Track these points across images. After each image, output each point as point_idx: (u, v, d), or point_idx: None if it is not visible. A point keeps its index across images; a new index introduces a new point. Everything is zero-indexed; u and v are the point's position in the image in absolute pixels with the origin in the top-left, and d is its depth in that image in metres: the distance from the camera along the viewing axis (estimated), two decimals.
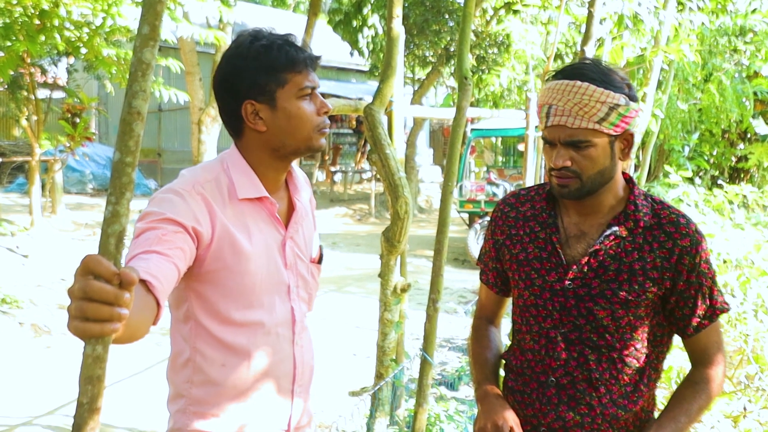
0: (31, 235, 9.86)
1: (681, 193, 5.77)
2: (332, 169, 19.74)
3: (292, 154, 1.78)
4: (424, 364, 3.15)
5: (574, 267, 1.76)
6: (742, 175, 11.21)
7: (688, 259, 1.72)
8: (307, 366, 1.90)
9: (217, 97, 1.77)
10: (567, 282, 1.76)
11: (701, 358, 1.81)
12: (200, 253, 1.66)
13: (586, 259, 1.75)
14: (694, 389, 1.78)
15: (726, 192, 6.06)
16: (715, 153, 10.86)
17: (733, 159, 11.10)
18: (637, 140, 6.95)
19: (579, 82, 1.67)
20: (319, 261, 1.94)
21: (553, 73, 1.76)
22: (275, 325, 1.79)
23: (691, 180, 7.71)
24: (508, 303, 2.05)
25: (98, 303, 1.00)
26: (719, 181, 9.31)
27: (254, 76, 1.70)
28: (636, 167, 9.01)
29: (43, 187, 11.07)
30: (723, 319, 3.84)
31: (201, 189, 1.68)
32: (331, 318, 7.88)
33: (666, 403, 1.79)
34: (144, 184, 15.68)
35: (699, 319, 1.77)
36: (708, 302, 1.77)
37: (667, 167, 7.28)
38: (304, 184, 1.95)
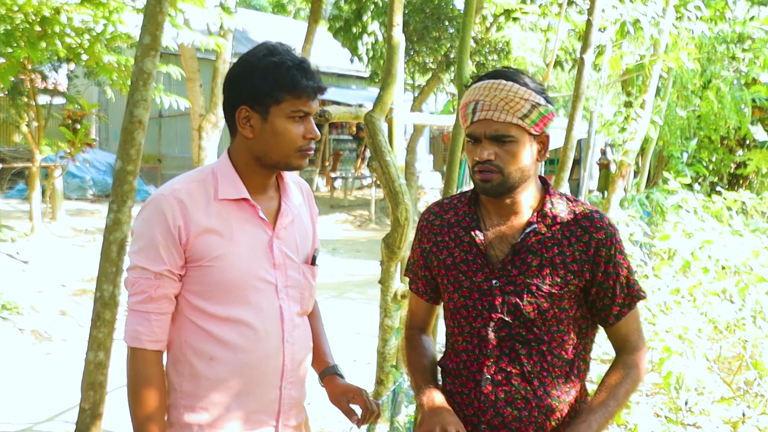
0: (31, 241, 9.87)
1: (680, 199, 5.77)
2: (332, 175, 19.75)
3: (273, 167, 1.88)
4: None
5: (500, 266, 1.85)
6: (740, 182, 11.22)
7: (605, 251, 1.83)
8: (299, 363, 1.94)
9: (223, 94, 1.88)
10: (494, 281, 1.84)
11: (624, 345, 1.91)
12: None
13: (510, 257, 1.84)
14: (619, 375, 1.86)
15: (725, 198, 6.06)
16: (713, 159, 10.88)
17: (732, 165, 11.12)
18: (636, 146, 6.96)
19: (504, 81, 1.80)
20: (313, 262, 2.00)
21: (476, 77, 1.88)
22: (263, 323, 1.85)
23: (690, 186, 7.72)
24: (438, 310, 2.12)
25: None
26: (718, 188, 9.31)
27: (256, 85, 1.80)
28: (635, 173, 9.02)
29: (43, 193, 11.07)
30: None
31: (178, 194, 1.81)
32: (332, 324, 7.85)
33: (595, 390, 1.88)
34: (144, 190, 15.62)
35: (619, 308, 1.87)
36: (626, 291, 1.87)
37: (666, 173, 7.29)
38: (295, 188, 2.02)
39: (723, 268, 4.37)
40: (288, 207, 1.95)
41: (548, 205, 1.87)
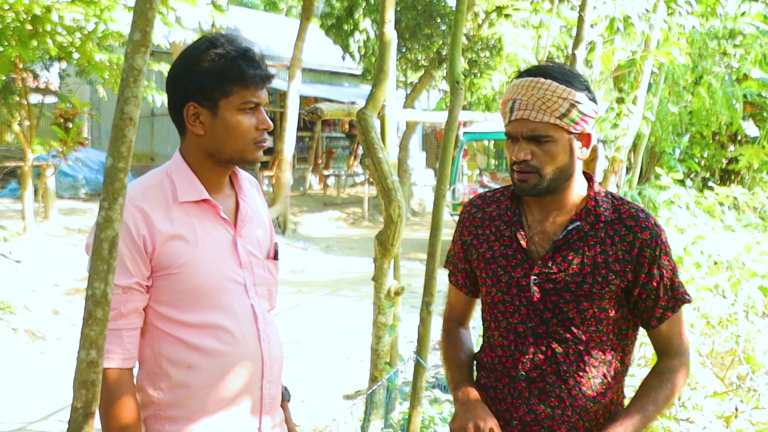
0: (24, 240, 9.82)
1: (672, 194, 5.79)
2: (325, 173, 19.73)
3: (228, 162, 1.82)
4: (418, 367, 3.16)
5: (540, 262, 1.81)
6: (732, 177, 11.25)
7: (649, 252, 1.78)
8: (276, 361, 1.91)
9: (167, 92, 1.82)
10: (533, 277, 1.81)
11: (666, 349, 1.86)
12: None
13: (550, 254, 1.80)
14: (660, 379, 1.82)
15: (716, 194, 6.09)
16: (705, 155, 10.92)
17: (724, 161, 11.15)
18: (629, 142, 6.98)
19: (542, 79, 1.74)
20: (275, 257, 1.97)
21: (519, 72, 1.84)
22: (238, 324, 1.81)
23: (682, 182, 7.75)
24: (477, 304, 2.09)
25: None
26: (710, 183, 9.35)
27: (202, 80, 1.74)
28: (628, 169, 9.04)
29: (35, 192, 11.01)
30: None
31: (138, 202, 1.74)
32: (325, 321, 7.88)
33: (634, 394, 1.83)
34: None
35: (662, 310, 1.82)
36: (670, 293, 1.81)
37: (658, 169, 7.31)
38: (249, 185, 1.98)
39: (715, 263, 4.39)
40: (246, 204, 1.91)
41: (592, 203, 1.82)
